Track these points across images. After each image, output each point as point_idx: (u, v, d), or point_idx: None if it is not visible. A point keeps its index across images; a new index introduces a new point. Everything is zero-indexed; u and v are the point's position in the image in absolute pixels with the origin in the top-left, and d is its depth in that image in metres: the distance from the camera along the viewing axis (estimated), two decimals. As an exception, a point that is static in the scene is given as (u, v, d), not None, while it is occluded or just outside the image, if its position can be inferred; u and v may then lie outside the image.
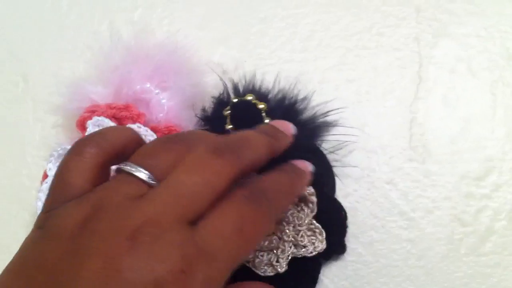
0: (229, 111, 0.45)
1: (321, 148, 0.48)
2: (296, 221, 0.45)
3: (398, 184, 0.50)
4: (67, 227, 0.30)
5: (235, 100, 0.46)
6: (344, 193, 0.49)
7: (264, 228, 0.33)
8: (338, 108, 0.50)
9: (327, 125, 0.49)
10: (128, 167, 0.32)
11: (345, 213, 0.47)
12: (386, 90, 0.53)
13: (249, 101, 0.46)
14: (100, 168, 0.34)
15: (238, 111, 0.46)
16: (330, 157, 0.49)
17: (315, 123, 0.49)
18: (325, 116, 0.49)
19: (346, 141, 0.50)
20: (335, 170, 0.49)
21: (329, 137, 0.50)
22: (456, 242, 0.48)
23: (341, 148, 0.50)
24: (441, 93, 0.52)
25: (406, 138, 0.51)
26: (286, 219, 0.45)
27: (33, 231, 0.33)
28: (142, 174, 0.32)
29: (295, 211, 0.45)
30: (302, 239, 0.45)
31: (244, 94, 0.48)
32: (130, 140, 0.36)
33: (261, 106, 0.45)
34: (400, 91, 0.53)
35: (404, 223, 0.49)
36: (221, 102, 0.49)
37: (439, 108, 0.52)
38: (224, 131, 0.46)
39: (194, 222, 0.30)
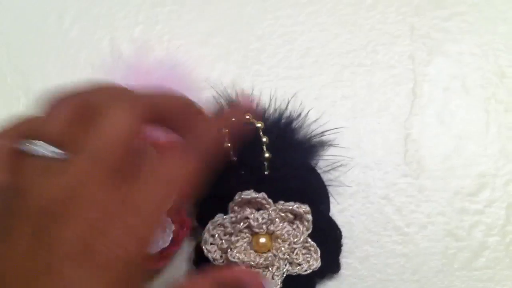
0: (227, 130, 0.46)
1: (316, 167, 0.49)
2: (292, 239, 0.46)
3: (393, 199, 0.50)
4: None
5: (233, 119, 0.46)
6: (339, 208, 0.50)
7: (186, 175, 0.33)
8: (333, 128, 0.51)
9: (323, 144, 0.50)
10: (26, 146, 0.32)
11: (340, 232, 0.47)
12: (381, 106, 0.54)
13: (248, 120, 0.46)
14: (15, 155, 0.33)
15: (237, 130, 0.46)
16: (325, 176, 0.49)
17: (311, 142, 0.49)
18: (321, 136, 0.50)
19: (341, 161, 0.50)
20: (330, 188, 0.49)
21: (325, 156, 0.50)
22: (450, 256, 0.49)
23: (336, 168, 0.50)
24: (435, 109, 0.53)
25: (400, 154, 0.52)
26: (282, 236, 0.46)
27: None
28: (43, 150, 0.32)
29: (291, 229, 0.46)
30: (297, 257, 0.46)
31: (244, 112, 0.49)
32: (34, 123, 0.34)
33: (258, 125, 0.46)
34: (395, 107, 0.53)
35: (399, 238, 0.49)
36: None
37: (433, 125, 0.53)
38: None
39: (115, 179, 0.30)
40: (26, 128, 0.33)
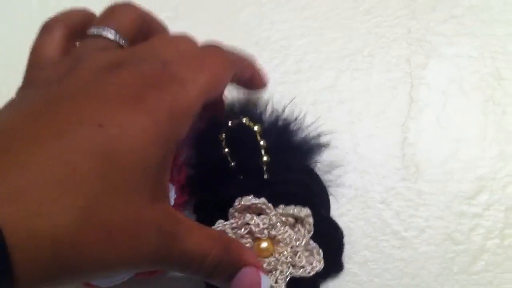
0: (224, 134, 0.46)
1: (316, 169, 0.49)
2: (294, 242, 0.45)
3: (391, 204, 0.50)
4: (52, 77, 0.34)
5: (230, 123, 0.46)
6: (338, 213, 0.50)
7: (226, 72, 0.39)
8: (331, 131, 0.51)
9: (321, 147, 0.50)
10: (95, 30, 0.37)
11: (342, 232, 0.47)
12: (378, 110, 0.54)
13: (244, 124, 0.46)
14: (68, 40, 0.38)
15: (234, 134, 0.46)
16: (324, 177, 0.49)
17: (309, 144, 0.49)
18: (319, 138, 0.50)
19: (340, 162, 0.50)
20: (329, 189, 0.49)
21: (323, 158, 0.50)
22: (449, 260, 0.48)
23: (335, 169, 0.50)
24: (432, 113, 0.53)
25: (398, 158, 0.52)
26: (284, 240, 0.46)
27: (18, 90, 0.36)
28: (109, 33, 0.37)
29: (292, 232, 0.46)
30: (300, 259, 0.45)
31: (238, 116, 0.49)
32: (88, 16, 0.41)
33: (256, 128, 0.46)
34: (392, 111, 0.53)
35: (397, 243, 0.49)
36: (214, 124, 0.49)
37: (431, 128, 0.53)
38: (221, 155, 0.46)
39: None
40: (82, 20, 0.40)
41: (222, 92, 0.44)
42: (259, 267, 0.39)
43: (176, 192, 0.47)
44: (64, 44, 0.38)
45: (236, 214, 0.46)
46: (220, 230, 0.44)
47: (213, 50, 0.39)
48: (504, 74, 0.54)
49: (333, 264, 0.47)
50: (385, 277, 0.48)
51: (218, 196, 0.47)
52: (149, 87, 0.32)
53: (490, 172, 0.51)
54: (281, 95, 0.53)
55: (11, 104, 0.33)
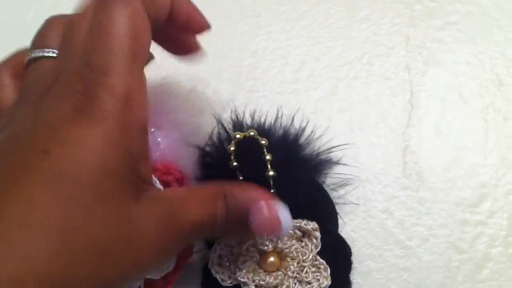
0: (233, 148, 0.45)
1: (323, 185, 0.48)
2: (300, 257, 0.45)
3: (394, 213, 0.50)
4: (5, 122, 0.33)
5: (238, 136, 0.46)
6: (339, 223, 0.49)
7: (140, 19, 0.34)
8: (340, 145, 0.51)
9: (328, 162, 0.49)
10: (30, 55, 0.37)
11: (350, 249, 0.47)
12: (378, 119, 0.53)
13: (253, 137, 0.46)
14: (18, 78, 0.39)
15: (242, 147, 0.45)
16: (332, 193, 0.49)
17: (316, 159, 0.49)
18: (327, 153, 0.49)
19: (348, 177, 0.50)
20: (337, 206, 0.49)
21: (330, 173, 0.50)
22: (453, 269, 0.48)
23: (344, 185, 0.50)
24: (433, 120, 0.53)
25: (399, 167, 0.51)
26: (291, 254, 0.45)
27: None
28: (42, 52, 0.37)
29: (299, 247, 0.45)
30: (306, 275, 0.45)
31: (246, 129, 0.48)
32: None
33: (263, 142, 0.45)
34: (392, 119, 0.53)
35: (401, 252, 0.49)
36: (222, 138, 0.49)
37: (431, 136, 0.52)
38: (229, 168, 0.46)
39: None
40: None
41: (149, 38, 0.37)
42: (268, 197, 0.39)
43: None
44: (16, 84, 0.38)
45: (241, 226, 0.45)
46: (214, 183, 0.41)
47: (104, 4, 0.33)
48: (504, 80, 0.54)
49: (341, 281, 0.46)
50: (390, 287, 0.48)
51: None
52: (82, 96, 0.31)
53: (492, 179, 0.50)
54: (279, 105, 0.53)
55: None
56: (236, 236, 0.38)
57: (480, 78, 0.54)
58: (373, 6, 0.58)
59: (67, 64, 0.33)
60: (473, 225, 0.49)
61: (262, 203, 0.38)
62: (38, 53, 0.36)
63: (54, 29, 0.37)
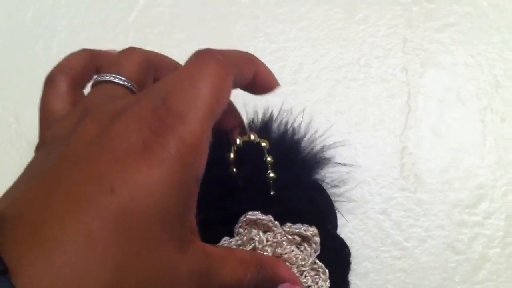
0: (233, 155, 0.45)
1: (323, 185, 0.49)
2: (300, 262, 0.45)
3: (391, 214, 0.50)
4: (61, 134, 0.34)
5: (238, 141, 0.45)
6: (338, 224, 0.49)
7: (227, 84, 0.35)
8: (338, 143, 0.51)
9: (326, 161, 0.49)
10: (103, 77, 0.37)
11: (349, 250, 0.47)
12: (376, 120, 0.53)
13: (254, 142, 0.46)
14: (73, 89, 0.39)
15: (242, 149, 0.45)
16: (330, 191, 0.49)
17: (316, 159, 0.49)
18: (324, 152, 0.49)
19: (345, 175, 0.50)
20: (336, 204, 0.49)
21: (328, 172, 0.50)
22: (450, 270, 0.48)
23: (341, 184, 0.50)
24: (431, 122, 0.53)
25: (397, 168, 0.51)
26: (290, 260, 0.45)
27: (35, 149, 0.36)
28: (115, 78, 0.37)
29: (298, 252, 0.45)
30: (305, 279, 0.45)
31: (246, 131, 0.48)
32: (90, 58, 0.41)
33: (264, 144, 0.45)
34: (390, 121, 0.53)
35: (398, 253, 0.49)
36: (222, 139, 0.49)
37: (429, 137, 0.52)
38: (228, 174, 0.46)
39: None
40: (83, 65, 0.40)
41: (227, 102, 0.42)
42: (296, 282, 0.39)
43: None
44: (70, 94, 0.38)
45: (241, 230, 0.45)
46: (251, 250, 0.43)
47: (201, 61, 0.36)
48: (502, 82, 0.54)
49: (339, 282, 0.46)
50: (387, 288, 0.48)
51: (224, 212, 0.47)
52: (152, 133, 0.31)
53: (489, 180, 0.51)
54: (278, 107, 0.53)
55: (27, 171, 0.33)
56: None
57: (478, 80, 0.54)
58: (371, 7, 0.58)
59: (145, 99, 0.33)
60: (471, 226, 0.49)
61: (289, 286, 0.38)
62: (110, 78, 0.37)
63: (133, 60, 0.39)
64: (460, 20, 0.57)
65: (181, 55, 0.56)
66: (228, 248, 0.38)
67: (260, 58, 0.55)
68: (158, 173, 0.30)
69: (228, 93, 0.36)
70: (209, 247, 0.35)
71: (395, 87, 0.55)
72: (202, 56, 0.36)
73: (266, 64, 0.55)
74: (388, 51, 0.56)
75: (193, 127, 0.32)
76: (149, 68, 0.40)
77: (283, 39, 0.57)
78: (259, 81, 0.42)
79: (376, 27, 0.57)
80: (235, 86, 0.38)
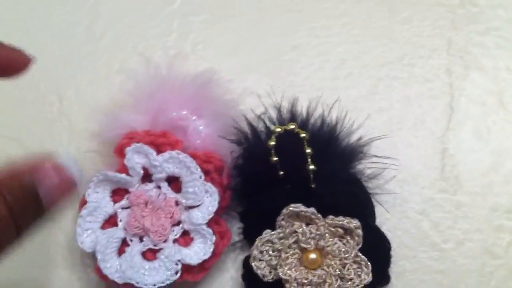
0: (273, 142, 0.45)
1: (361, 178, 0.49)
2: (342, 255, 0.45)
3: (430, 215, 0.50)
4: None
5: (279, 130, 0.45)
6: (376, 222, 0.49)
7: None
8: (375, 137, 0.51)
9: (365, 155, 0.49)
10: None
11: (389, 243, 0.47)
12: (417, 120, 0.53)
13: (293, 131, 0.46)
14: None
15: (283, 142, 0.45)
16: (369, 185, 0.49)
17: (354, 152, 0.49)
18: (363, 146, 0.49)
19: (381, 169, 0.50)
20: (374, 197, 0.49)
21: (366, 167, 0.50)
22: (487, 274, 0.48)
23: (379, 175, 0.50)
24: (472, 125, 0.53)
25: (437, 169, 0.51)
26: (333, 252, 0.45)
27: None
28: None
29: (341, 244, 0.45)
30: (348, 272, 0.45)
31: (286, 122, 0.48)
32: None
33: (303, 135, 0.45)
34: (432, 121, 0.53)
35: (436, 254, 0.49)
36: (261, 132, 0.49)
37: (470, 140, 0.52)
38: (268, 163, 0.46)
39: None
40: None
41: None
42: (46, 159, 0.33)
43: (219, 195, 0.47)
44: None
45: (283, 223, 0.45)
46: None
47: None
48: (544, 88, 0.54)
49: (380, 276, 0.46)
50: (423, 288, 0.48)
51: (265, 205, 0.47)
52: None
53: (530, 186, 0.51)
54: (318, 102, 0.53)
55: None
56: (34, 219, 0.34)
57: (520, 85, 0.54)
58: (414, 8, 0.58)
59: None
60: (509, 231, 0.49)
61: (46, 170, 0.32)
62: None
63: None
64: (504, 25, 0.57)
65: (223, 45, 0.57)
66: None
67: (302, 52, 0.56)
68: None
69: None
70: None
71: (438, 88, 0.54)
72: None
73: (309, 58, 0.55)
74: (432, 52, 0.56)
75: None
76: None
77: (326, 34, 0.57)
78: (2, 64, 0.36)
79: (421, 28, 0.57)
80: None
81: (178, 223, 0.47)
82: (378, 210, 0.49)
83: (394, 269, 0.48)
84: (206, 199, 0.47)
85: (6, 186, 0.31)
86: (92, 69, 0.57)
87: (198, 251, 0.46)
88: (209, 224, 0.46)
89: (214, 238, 0.46)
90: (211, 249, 0.46)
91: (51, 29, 0.59)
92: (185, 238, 0.47)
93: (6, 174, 0.31)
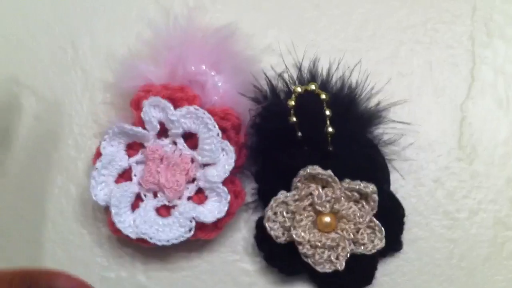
0: (293, 102, 0.44)
1: (379, 143, 0.48)
2: (357, 219, 0.45)
3: (445, 183, 0.50)
4: None
5: (299, 90, 0.45)
6: (391, 188, 0.49)
7: None
8: (395, 102, 0.50)
9: (383, 119, 0.49)
10: None
11: (403, 209, 0.47)
12: (438, 86, 0.53)
13: (314, 92, 0.45)
14: None
15: (303, 102, 0.45)
16: (386, 150, 0.49)
17: (372, 116, 0.48)
18: (382, 110, 0.49)
19: (399, 135, 0.49)
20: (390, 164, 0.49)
21: (383, 131, 0.49)
22: (499, 245, 0.48)
23: (396, 141, 0.49)
24: (492, 94, 0.52)
25: (455, 137, 0.51)
26: (348, 216, 0.45)
27: None
28: None
29: (356, 208, 0.45)
30: (362, 237, 0.45)
31: (306, 82, 0.47)
32: None
33: (323, 96, 0.45)
34: (452, 89, 0.52)
35: (448, 223, 0.49)
36: (280, 90, 0.48)
37: (489, 109, 0.52)
38: (287, 122, 0.45)
39: None
40: None
41: None
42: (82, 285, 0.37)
43: (235, 153, 0.46)
44: None
45: (299, 184, 0.45)
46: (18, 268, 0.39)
47: None
48: None
49: (393, 242, 0.46)
50: (434, 256, 0.48)
51: (282, 165, 0.46)
52: None
53: (547, 158, 0.50)
54: (339, 62, 0.52)
55: None
56: None
57: (543, 55, 0.53)
58: (441, -30, 0.56)
59: None
60: (523, 203, 0.49)
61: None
62: None
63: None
64: (531, -6, 0.55)
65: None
66: None
67: (324, 11, 0.54)
68: None
69: None
70: None
71: (460, 55, 0.54)
72: None
73: (332, 17, 0.54)
74: (456, 18, 0.55)
75: None
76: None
77: (350, -7, 0.56)
78: None
79: (446, -9, 0.56)
80: None
81: (193, 180, 0.47)
82: (393, 176, 0.49)
83: (406, 236, 0.48)
84: (222, 157, 0.46)
85: (36, 283, 0.35)
86: (108, 18, 0.55)
87: (212, 209, 0.45)
88: (224, 182, 0.46)
89: (228, 197, 0.45)
90: (226, 208, 0.45)
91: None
92: (200, 196, 0.47)
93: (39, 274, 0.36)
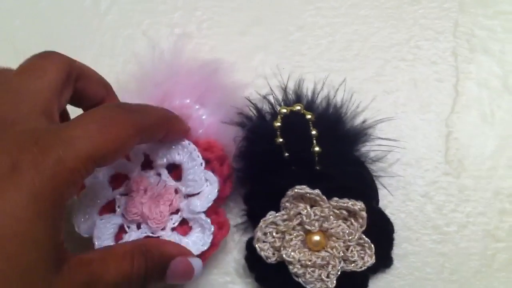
0: (279, 124, 0.45)
1: (366, 160, 0.49)
2: (346, 237, 0.45)
3: (433, 198, 0.50)
4: None
5: (284, 111, 0.45)
6: (379, 204, 0.49)
7: (126, 132, 0.36)
8: (381, 119, 0.51)
9: (369, 137, 0.49)
10: None
11: (392, 226, 0.47)
12: (423, 103, 0.53)
13: (299, 112, 0.45)
14: None
15: (289, 123, 0.45)
16: (373, 168, 0.49)
17: (359, 134, 0.49)
18: (367, 128, 0.49)
19: (385, 152, 0.50)
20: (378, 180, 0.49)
21: (370, 149, 0.50)
22: (489, 257, 0.49)
23: (383, 158, 0.50)
24: (477, 108, 0.53)
25: (441, 152, 0.51)
26: (337, 234, 0.45)
27: None
28: None
29: (345, 227, 0.46)
30: (351, 254, 0.45)
31: (292, 103, 0.48)
32: None
33: (309, 116, 0.45)
34: (437, 104, 0.53)
35: (438, 237, 0.49)
36: (266, 113, 0.49)
37: (475, 123, 0.52)
38: (273, 144, 0.46)
39: None
40: None
41: (125, 153, 0.42)
42: (186, 253, 0.41)
43: (220, 185, 0.46)
44: None
45: (287, 204, 0.46)
46: (133, 240, 0.44)
47: (113, 111, 0.36)
48: (550, 73, 0.54)
49: (383, 258, 0.47)
50: (425, 270, 0.48)
51: (270, 186, 0.47)
52: (27, 151, 0.30)
53: (533, 170, 0.51)
54: (324, 82, 0.52)
55: None
56: (152, 284, 0.40)
57: (526, 69, 0.54)
58: (423, -11, 0.58)
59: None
60: (512, 214, 0.50)
61: (180, 260, 0.40)
62: None
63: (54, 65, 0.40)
64: None
65: (228, 24, 0.56)
66: (107, 248, 0.39)
67: (309, 32, 0.55)
68: (25, 197, 0.29)
69: (127, 147, 0.37)
70: (85, 256, 0.35)
71: (444, 71, 0.54)
72: (117, 108, 0.37)
73: (316, 38, 0.55)
74: (439, 34, 0.56)
75: (80, 153, 0.32)
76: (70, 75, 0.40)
77: (333, 15, 0.57)
78: (172, 137, 0.45)
79: (428, 9, 0.57)
80: (142, 142, 0.39)
81: (177, 211, 0.47)
82: (382, 193, 0.50)
83: (396, 252, 0.48)
84: (206, 188, 0.46)
85: (150, 251, 0.38)
86: (96, 45, 0.56)
87: (196, 241, 0.45)
88: (208, 213, 0.46)
89: (212, 228, 0.45)
90: (210, 240, 0.45)
91: (56, 3, 0.59)
92: (184, 227, 0.46)
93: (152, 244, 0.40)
